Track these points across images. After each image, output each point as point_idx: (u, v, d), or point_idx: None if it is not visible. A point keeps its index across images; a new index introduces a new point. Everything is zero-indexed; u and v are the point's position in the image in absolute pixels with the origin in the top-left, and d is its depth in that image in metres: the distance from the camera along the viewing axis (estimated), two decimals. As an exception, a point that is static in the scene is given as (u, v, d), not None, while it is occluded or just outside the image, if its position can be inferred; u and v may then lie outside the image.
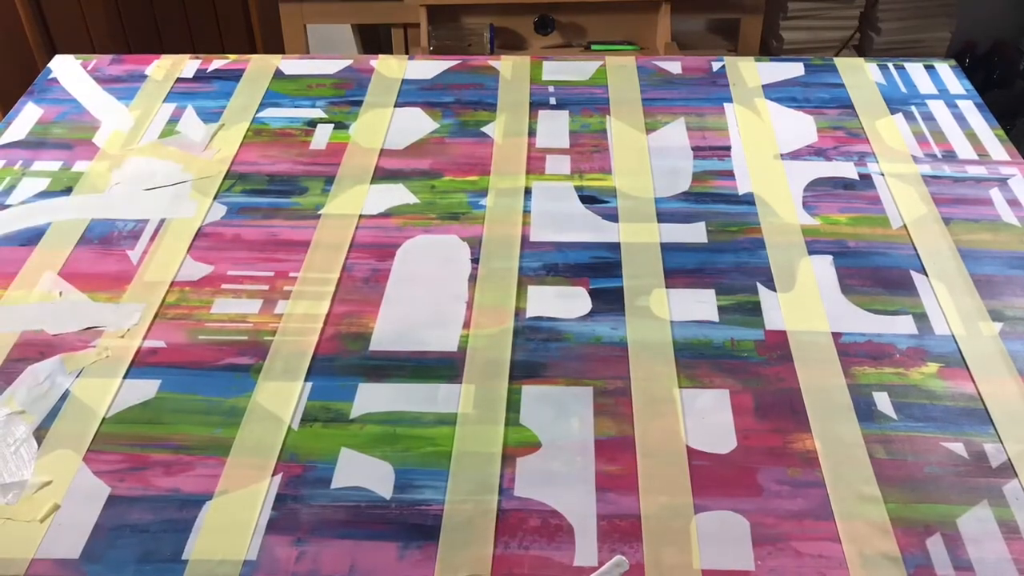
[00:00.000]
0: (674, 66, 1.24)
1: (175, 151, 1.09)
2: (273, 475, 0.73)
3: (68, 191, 1.03)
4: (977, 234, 0.95)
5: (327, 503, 0.71)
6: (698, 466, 0.73)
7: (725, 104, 1.16)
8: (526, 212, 0.99)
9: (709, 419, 0.76)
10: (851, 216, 0.98)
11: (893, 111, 1.13)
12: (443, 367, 0.82)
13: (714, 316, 0.86)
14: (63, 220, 0.99)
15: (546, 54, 1.76)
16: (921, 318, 0.85)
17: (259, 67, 1.24)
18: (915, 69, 1.22)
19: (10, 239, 0.96)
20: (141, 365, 0.82)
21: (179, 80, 1.22)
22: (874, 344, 0.83)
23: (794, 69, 1.22)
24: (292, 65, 1.24)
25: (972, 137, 1.09)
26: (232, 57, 1.26)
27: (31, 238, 0.96)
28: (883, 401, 0.78)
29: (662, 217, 0.98)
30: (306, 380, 0.80)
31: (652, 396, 0.78)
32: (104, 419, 0.77)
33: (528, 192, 1.02)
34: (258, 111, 1.15)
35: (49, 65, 1.26)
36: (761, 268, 0.91)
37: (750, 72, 1.22)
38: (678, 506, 0.70)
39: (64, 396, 0.79)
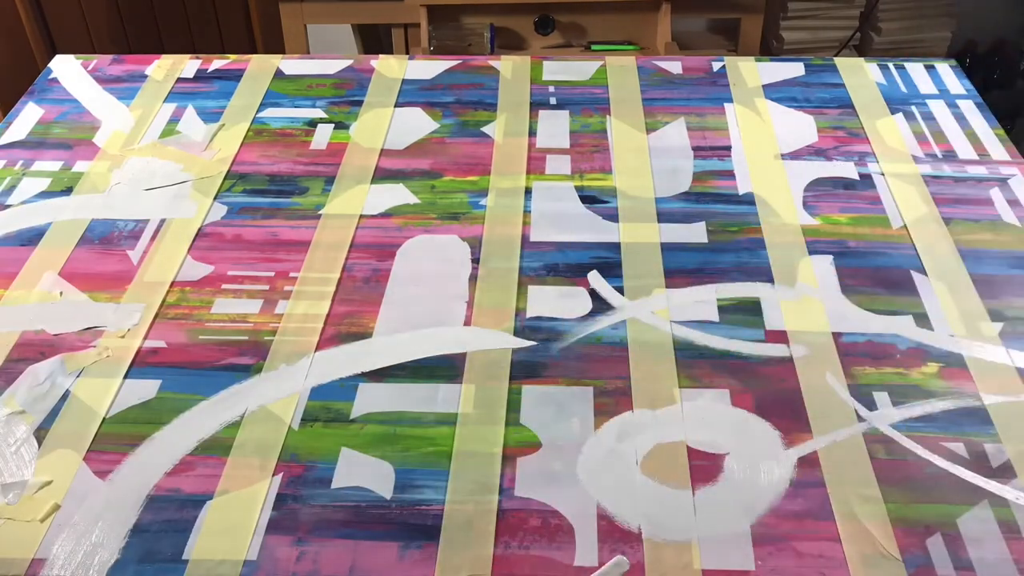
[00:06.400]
0: (674, 66, 1.24)
1: (175, 151, 1.09)
2: (273, 475, 0.73)
3: (68, 191, 1.03)
4: (977, 234, 0.95)
5: (327, 503, 0.71)
6: (698, 466, 0.73)
7: (725, 104, 1.16)
8: (526, 212, 0.99)
9: (709, 419, 0.76)
10: (851, 216, 0.98)
11: (893, 111, 1.13)
12: (443, 367, 0.82)
13: (714, 316, 0.86)
14: (63, 220, 0.99)
15: (546, 54, 1.76)
16: (921, 318, 0.85)
17: (259, 67, 1.24)
18: (915, 69, 1.22)
19: (10, 239, 0.96)
20: (141, 365, 0.82)
21: (179, 80, 1.22)
22: (874, 344, 0.83)
23: (794, 69, 1.22)
24: (292, 65, 1.24)
25: (972, 137, 1.09)
26: (232, 57, 1.26)
27: (31, 238, 0.96)
28: (883, 401, 0.78)
29: (662, 217, 0.98)
30: (306, 380, 0.80)
31: (652, 396, 0.78)
32: (104, 419, 0.77)
33: (528, 192, 1.02)
34: (258, 111, 1.15)
35: (49, 65, 1.26)
36: (761, 268, 0.91)
37: (750, 72, 1.22)
38: (678, 506, 0.70)
39: (64, 396, 0.79)
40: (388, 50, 2.12)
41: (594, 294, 0.89)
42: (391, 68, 1.24)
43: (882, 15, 2.05)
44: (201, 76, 1.22)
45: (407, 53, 1.98)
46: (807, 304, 0.87)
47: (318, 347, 0.83)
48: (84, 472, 0.73)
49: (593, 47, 1.88)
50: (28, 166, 1.07)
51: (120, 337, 0.85)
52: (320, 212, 0.99)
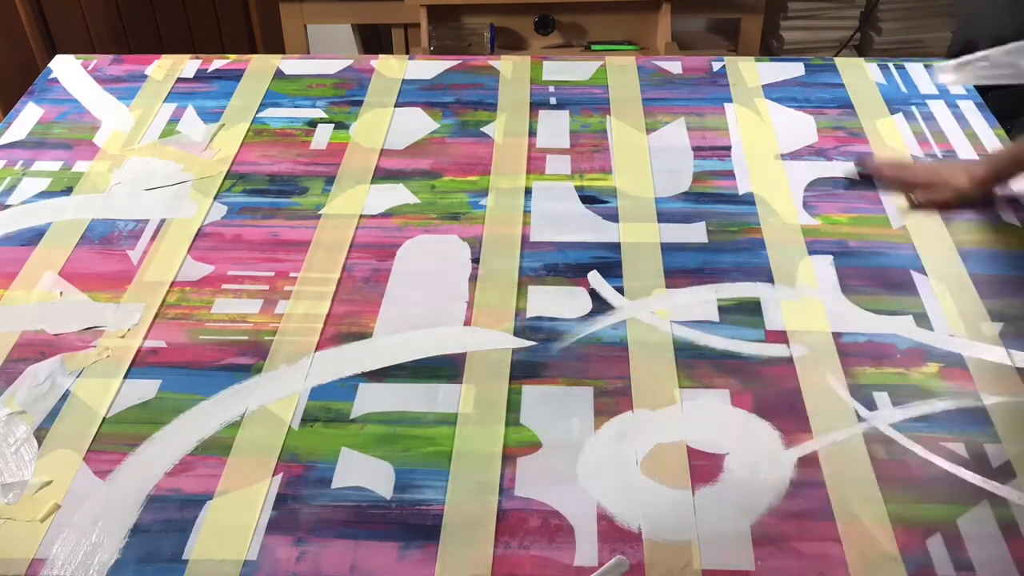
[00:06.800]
0: (674, 66, 1.24)
1: (175, 151, 1.09)
2: (273, 475, 0.73)
3: (68, 191, 1.03)
4: (977, 234, 0.95)
5: (327, 503, 0.71)
6: (698, 466, 0.73)
7: (725, 104, 1.16)
8: (526, 212, 0.99)
9: (709, 419, 0.76)
10: (851, 216, 0.98)
11: (893, 111, 1.13)
12: (443, 367, 0.82)
13: (714, 316, 0.86)
14: (63, 220, 0.99)
15: (546, 54, 1.76)
16: (921, 318, 0.85)
17: (259, 67, 1.24)
18: (915, 69, 1.22)
19: (10, 239, 0.96)
20: (141, 365, 0.82)
21: (179, 80, 1.22)
22: (874, 344, 0.83)
23: (794, 69, 1.22)
24: (292, 65, 1.24)
25: (972, 137, 1.09)
26: (232, 57, 1.26)
27: (31, 238, 0.96)
28: (883, 401, 0.78)
29: (662, 217, 0.98)
30: (306, 380, 0.80)
31: (652, 396, 0.78)
32: (104, 419, 0.77)
33: (528, 192, 1.02)
34: (258, 111, 1.15)
35: (50, 65, 1.26)
36: (761, 268, 0.91)
37: (750, 72, 1.22)
38: (678, 506, 0.70)
39: (64, 396, 0.79)
40: (388, 50, 2.12)
41: (594, 294, 0.89)
42: (391, 68, 1.24)
43: (882, 15, 2.05)
44: (201, 76, 1.22)
45: (407, 53, 1.98)
46: (807, 304, 0.87)
47: (318, 347, 0.83)
48: (84, 472, 0.73)
49: (593, 47, 1.88)
50: (28, 166, 1.07)
51: (120, 337, 0.85)
52: (320, 212, 0.99)
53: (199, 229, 0.97)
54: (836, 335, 0.84)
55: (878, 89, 1.18)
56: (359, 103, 1.17)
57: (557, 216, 0.98)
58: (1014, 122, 2.00)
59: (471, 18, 1.85)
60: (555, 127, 1.12)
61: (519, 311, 0.87)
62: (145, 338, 0.85)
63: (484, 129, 1.12)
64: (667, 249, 0.94)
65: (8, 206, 1.01)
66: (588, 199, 1.01)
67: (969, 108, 1.14)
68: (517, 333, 0.85)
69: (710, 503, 0.70)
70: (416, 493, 0.71)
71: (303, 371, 0.81)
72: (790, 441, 0.75)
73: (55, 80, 1.23)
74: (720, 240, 0.95)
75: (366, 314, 0.87)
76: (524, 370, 0.81)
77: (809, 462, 0.73)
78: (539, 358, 0.82)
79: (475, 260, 0.93)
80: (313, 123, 1.13)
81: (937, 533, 0.68)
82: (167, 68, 1.24)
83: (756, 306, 0.87)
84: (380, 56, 1.26)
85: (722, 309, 0.87)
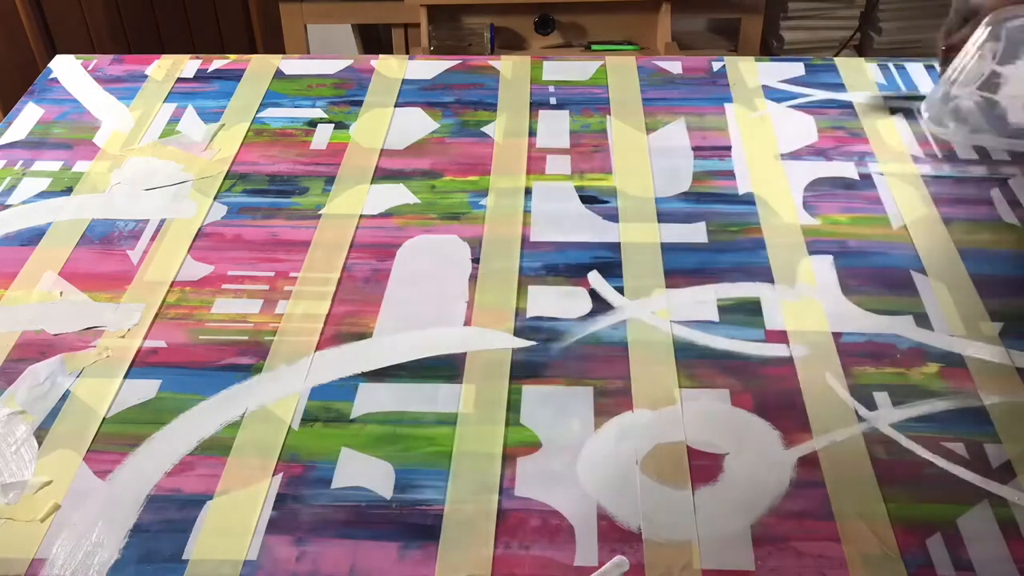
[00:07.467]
0: (674, 66, 1.24)
1: (175, 151, 1.09)
2: (273, 475, 0.73)
3: (68, 191, 1.03)
4: (977, 234, 0.95)
5: (327, 503, 0.71)
6: (698, 466, 0.73)
7: (725, 104, 1.16)
8: (526, 212, 0.99)
9: (709, 419, 0.76)
10: (851, 216, 0.98)
11: (893, 111, 1.13)
12: (443, 367, 0.82)
13: (714, 316, 0.86)
14: (63, 220, 0.99)
15: (546, 54, 1.76)
16: (921, 318, 0.85)
17: (259, 67, 1.24)
18: (915, 69, 1.22)
19: (10, 239, 0.96)
20: (141, 365, 0.82)
21: (179, 80, 1.22)
22: (874, 344, 0.83)
23: (794, 69, 1.22)
24: (292, 65, 1.24)
25: (972, 137, 1.09)
26: (232, 57, 1.26)
27: (31, 238, 0.96)
28: (883, 401, 0.78)
29: (662, 217, 0.98)
30: (306, 380, 0.80)
31: (652, 396, 0.78)
32: (104, 419, 0.77)
33: (528, 192, 1.02)
34: (258, 111, 1.15)
35: (49, 65, 1.26)
36: (761, 268, 0.91)
37: (750, 72, 1.22)
38: (678, 506, 0.70)
39: (64, 396, 0.79)
40: (388, 50, 2.12)
41: (594, 294, 0.89)
42: (391, 68, 1.24)
43: (882, 15, 2.05)
44: (201, 76, 1.23)
45: (407, 53, 1.99)
46: (807, 304, 0.87)
47: (318, 347, 0.83)
48: (84, 472, 0.73)
49: (593, 47, 1.89)
50: (28, 166, 1.07)
51: (120, 337, 0.85)
52: (320, 212, 0.99)
53: (199, 229, 0.97)
54: (836, 335, 0.84)
55: (878, 89, 1.18)
56: (359, 103, 1.17)
57: (557, 216, 0.98)
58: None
59: (471, 18, 1.85)
60: (555, 127, 1.12)
61: (519, 311, 0.87)
62: (145, 338, 0.85)
63: (484, 129, 1.12)
64: (667, 249, 0.94)
65: (8, 206, 1.01)
66: (588, 199, 1.01)
67: (969, 108, 1.14)
68: (517, 333, 0.85)
69: (710, 503, 0.70)
70: (416, 493, 0.71)
71: (303, 371, 0.81)
72: (790, 441, 0.75)
73: (55, 80, 1.23)
74: (720, 240, 0.95)
75: (366, 314, 0.87)
76: (524, 370, 0.81)
77: (809, 462, 0.73)
78: (539, 358, 0.82)
79: (475, 260, 0.93)
80: (313, 123, 1.13)
81: (937, 533, 0.68)
82: (167, 68, 1.24)
83: (756, 306, 0.87)
84: (380, 56, 1.26)
85: (722, 309, 0.87)
